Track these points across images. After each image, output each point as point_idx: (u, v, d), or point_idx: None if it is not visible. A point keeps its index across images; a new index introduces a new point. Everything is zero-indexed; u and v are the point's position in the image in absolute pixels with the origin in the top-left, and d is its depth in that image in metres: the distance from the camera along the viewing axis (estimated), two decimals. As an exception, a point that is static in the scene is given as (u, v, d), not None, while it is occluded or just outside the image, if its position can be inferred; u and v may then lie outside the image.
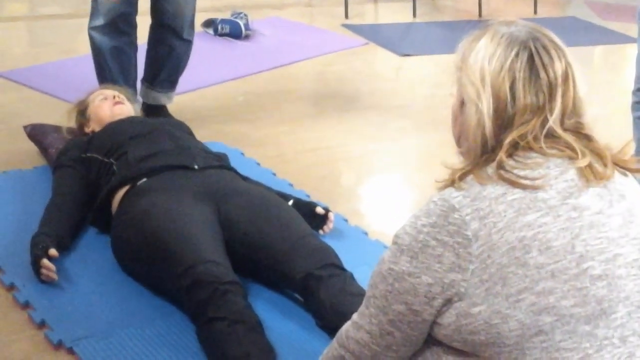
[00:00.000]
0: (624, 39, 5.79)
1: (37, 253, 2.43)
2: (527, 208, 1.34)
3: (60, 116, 3.31)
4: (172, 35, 3.61)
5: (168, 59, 3.65)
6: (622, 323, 1.36)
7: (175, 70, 3.71)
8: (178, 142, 2.80)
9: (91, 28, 3.49)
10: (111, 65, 3.50)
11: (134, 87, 3.61)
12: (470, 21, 5.93)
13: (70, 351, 2.17)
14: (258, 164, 3.35)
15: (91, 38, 3.50)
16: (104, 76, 3.51)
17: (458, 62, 1.46)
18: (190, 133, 3.06)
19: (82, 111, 3.13)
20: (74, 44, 4.78)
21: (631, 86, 3.33)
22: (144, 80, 3.71)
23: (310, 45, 5.10)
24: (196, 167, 2.67)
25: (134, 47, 3.57)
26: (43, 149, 3.21)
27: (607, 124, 3.84)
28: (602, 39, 5.86)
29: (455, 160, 1.46)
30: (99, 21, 3.45)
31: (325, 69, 4.81)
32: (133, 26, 3.52)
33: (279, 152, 3.53)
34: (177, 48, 3.64)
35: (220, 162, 2.79)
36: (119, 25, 3.45)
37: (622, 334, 1.36)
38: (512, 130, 1.39)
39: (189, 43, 3.69)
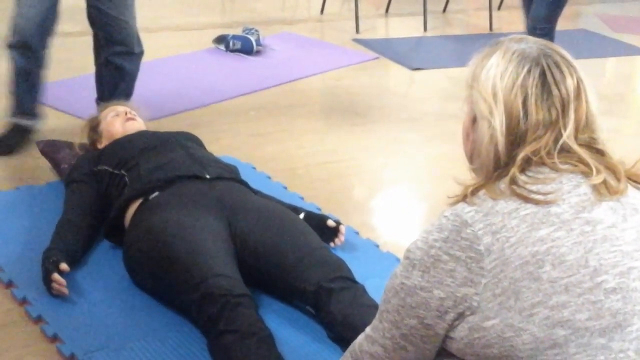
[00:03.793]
0: (635, 50, 5.80)
1: (48, 267, 2.44)
2: (540, 223, 1.34)
3: (72, 132, 3.33)
4: (123, 54, 3.54)
5: (123, 77, 3.59)
6: (638, 336, 1.36)
7: (132, 83, 3.65)
8: (189, 152, 2.81)
9: (7, 44, 3.43)
10: (20, 83, 3.47)
11: (38, 105, 3.57)
12: (481, 35, 5.94)
13: (83, 365, 2.17)
14: (269, 177, 3.36)
15: (8, 54, 3.44)
16: (12, 92, 3.49)
17: (469, 80, 1.46)
18: (201, 145, 3.07)
19: (94, 127, 3.14)
20: (86, 62, 4.80)
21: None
22: (99, 99, 3.64)
23: (321, 60, 5.12)
24: (208, 176, 2.68)
25: (44, 67, 3.49)
26: (55, 165, 3.22)
27: (620, 135, 3.85)
28: (613, 51, 5.86)
29: (467, 176, 1.46)
30: (13, 38, 3.40)
31: (336, 84, 4.82)
32: (46, 46, 3.45)
33: (290, 166, 3.54)
34: (130, 64, 3.59)
35: (231, 173, 2.80)
36: (31, 45, 3.40)
37: (638, 347, 1.36)
38: (525, 146, 1.39)
39: (140, 54, 3.62)
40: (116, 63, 3.57)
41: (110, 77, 3.61)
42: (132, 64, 3.61)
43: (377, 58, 5.28)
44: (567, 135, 1.39)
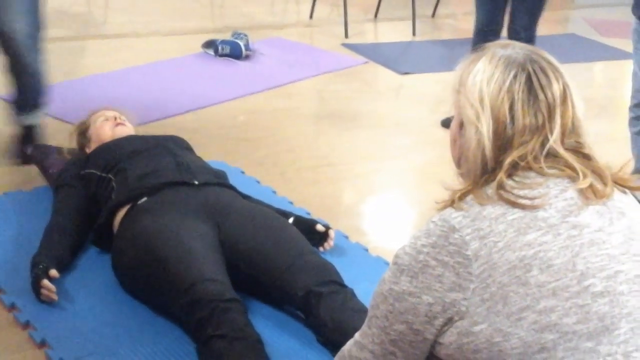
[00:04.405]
0: (623, 55, 5.82)
1: (37, 273, 2.43)
2: (527, 227, 1.34)
3: (62, 137, 3.32)
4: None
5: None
6: (626, 339, 1.36)
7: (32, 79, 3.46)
8: (177, 159, 2.81)
9: None
10: None
11: None
12: (469, 39, 5.94)
13: (71, 371, 2.17)
14: (258, 182, 3.36)
15: None
16: None
17: (456, 85, 1.47)
18: (189, 148, 3.07)
19: (83, 132, 3.13)
20: (76, 66, 4.81)
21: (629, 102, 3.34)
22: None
23: (311, 65, 5.13)
24: (196, 182, 2.68)
25: None
26: (43, 170, 3.21)
27: (608, 139, 3.87)
28: (601, 55, 5.89)
29: (455, 181, 1.47)
30: None
31: (325, 88, 4.82)
32: None
33: (279, 171, 3.54)
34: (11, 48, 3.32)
35: (219, 179, 2.79)
36: None
37: (626, 350, 1.36)
38: (512, 151, 1.40)
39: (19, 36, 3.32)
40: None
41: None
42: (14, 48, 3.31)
43: (366, 63, 5.29)
44: (554, 140, 1.40)
